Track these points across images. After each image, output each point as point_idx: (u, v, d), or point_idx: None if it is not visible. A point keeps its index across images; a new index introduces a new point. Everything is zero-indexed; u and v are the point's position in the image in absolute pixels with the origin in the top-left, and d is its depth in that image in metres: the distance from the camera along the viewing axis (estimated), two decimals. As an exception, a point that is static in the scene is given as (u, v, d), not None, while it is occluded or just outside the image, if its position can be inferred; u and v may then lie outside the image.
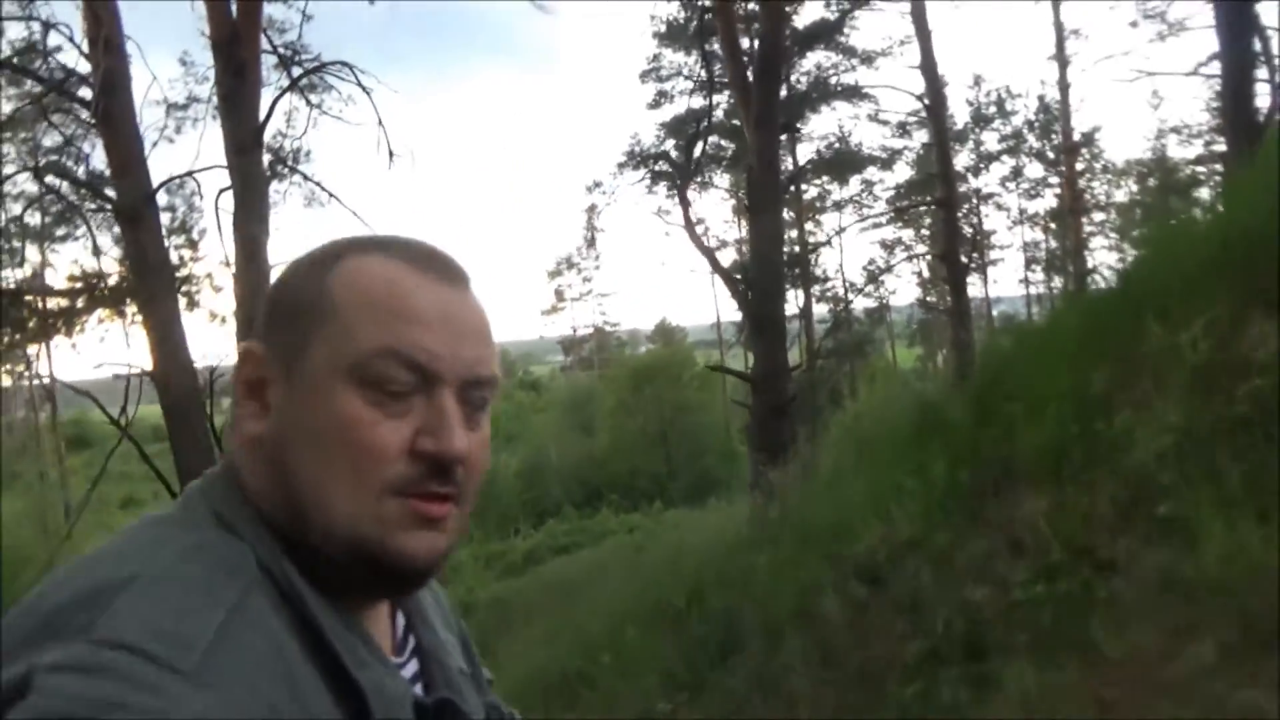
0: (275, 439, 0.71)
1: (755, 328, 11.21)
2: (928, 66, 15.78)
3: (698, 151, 11.08)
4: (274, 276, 0.80)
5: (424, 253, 0.75)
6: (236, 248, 8.90)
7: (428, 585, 0.81)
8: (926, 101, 15.84)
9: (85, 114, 8.91)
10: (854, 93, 21.71)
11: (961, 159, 32.98)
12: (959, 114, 32.76)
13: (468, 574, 18.68)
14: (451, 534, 0.72)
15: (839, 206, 31.68)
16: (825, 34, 17.95)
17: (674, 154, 11.37)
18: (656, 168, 12.86)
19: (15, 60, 9.02)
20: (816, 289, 30.55)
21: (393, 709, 0.68)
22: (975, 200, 33.23)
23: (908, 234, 34.66)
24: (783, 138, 17.14)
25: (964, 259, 15.88)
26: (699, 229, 12.08)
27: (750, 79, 11.08)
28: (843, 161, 23.79)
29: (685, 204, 11.60)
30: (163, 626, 0.57)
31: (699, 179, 20.28)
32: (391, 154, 10.09)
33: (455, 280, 0.74)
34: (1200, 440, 3.04)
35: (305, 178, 12.05)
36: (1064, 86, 24.34)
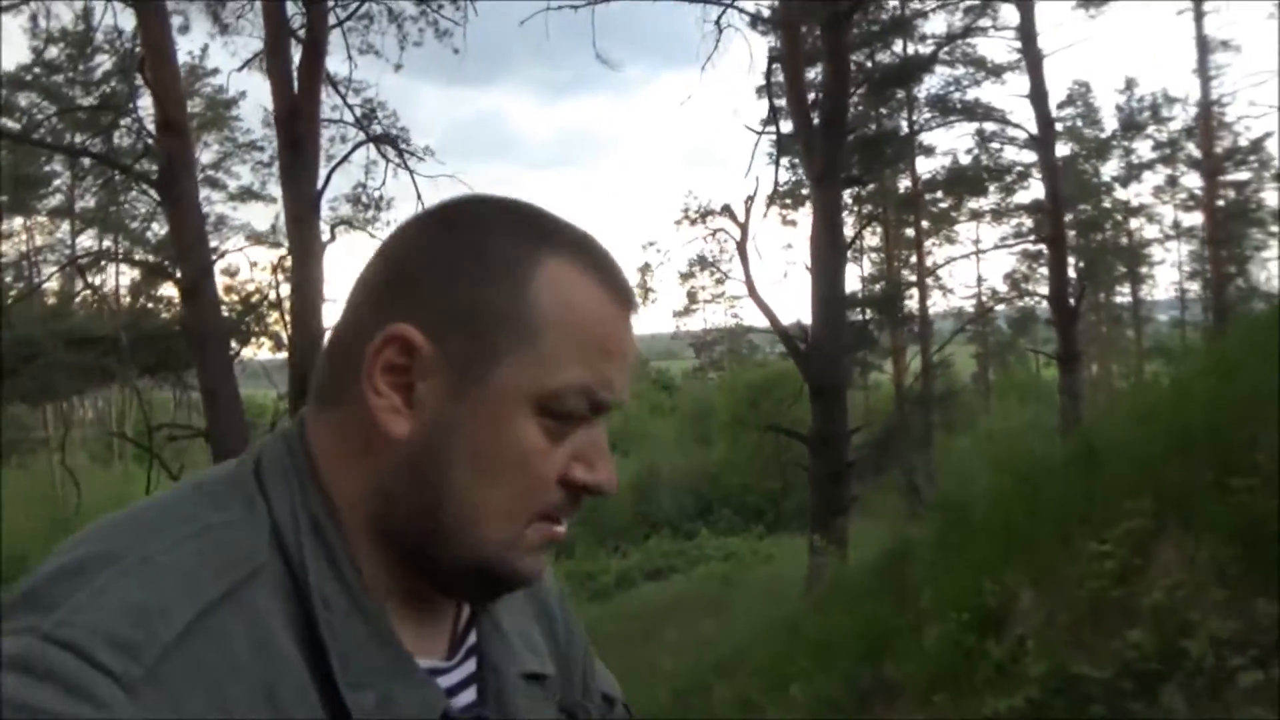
0: (425, 445, 0.66)
1: (814, 390, 10.87)
2: (1037, 96, 14.78)
3: (758, 209, 10.78)
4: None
5: (610, 265, 0.71)
6: (291, 307, 9.38)
7: None
8: (1034, 133, 14.84)
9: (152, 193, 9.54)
10: (972, 112, 20.60)
11: (1110, 167, 30.93)
12: (1108, 120, 30.75)
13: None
14: None
15: (976, 216, 30.30)
16: (913, 71, 17.08)
17: (733, 209, 11.11)
18: (715, 228, 12.63)
19: (89, 145, 9.76)
20: (941, 302, 29.36)
21: None
22: (1123, 214, 31.07)
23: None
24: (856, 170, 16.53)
25: (1073, 301, 14.80)
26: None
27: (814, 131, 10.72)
28: (962, 180, 22.64)
29: (745, 261, 11.35)
30: (118, 628, 0.54)
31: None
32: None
33: (632, 301, 0.72)
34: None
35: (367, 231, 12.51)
36: (1205, 104, 22.32)
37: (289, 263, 9.52)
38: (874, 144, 17.55)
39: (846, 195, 26.28)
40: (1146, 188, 29.91)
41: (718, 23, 10.79)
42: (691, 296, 51.32)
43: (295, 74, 9.51)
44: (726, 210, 11.18)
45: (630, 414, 46.70)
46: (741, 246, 11.21)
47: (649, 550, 22.65)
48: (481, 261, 0.67)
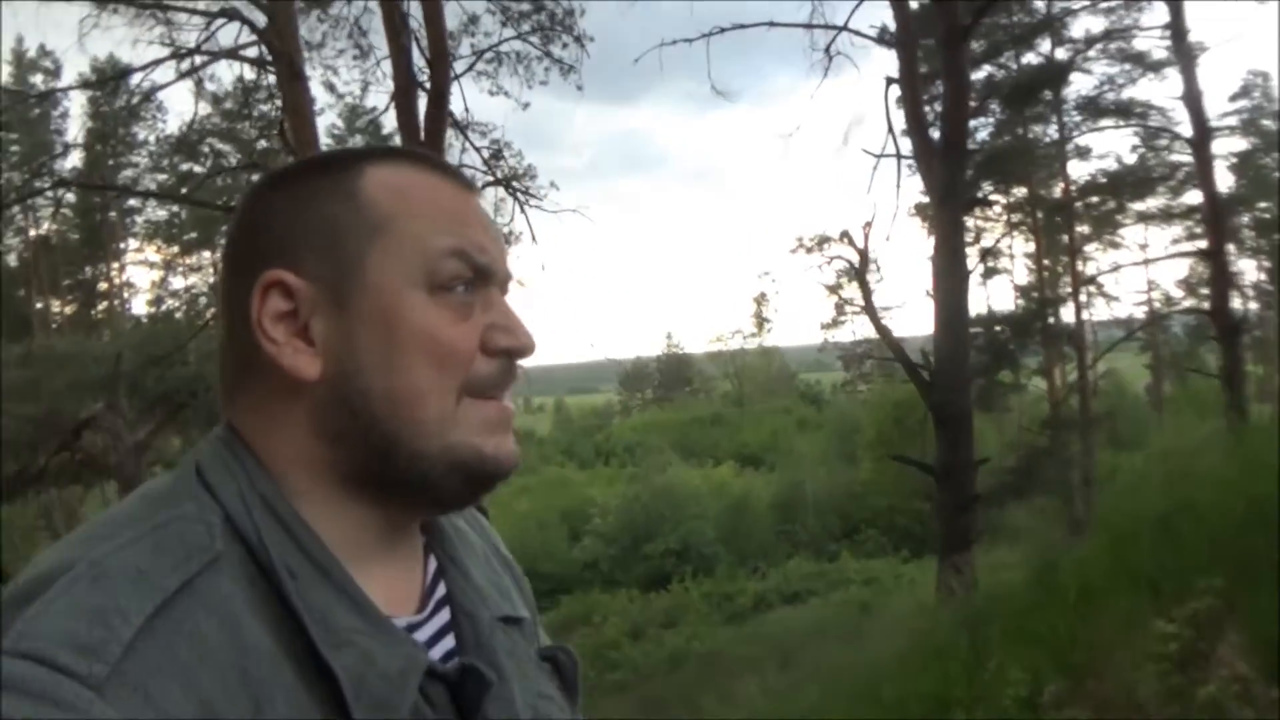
0: (339, 371, 0.67)
1: (938, 419, 10.54)
2: (1191, 97, 13.79)
3: (879, 232, 10.55)
4: None
5: (439, 161, 0.75)
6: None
7: (472, 519, 0.84)
8: (1190, 136, 13.84)
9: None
10: (1127, 112, 19.38)
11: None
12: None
13: (695, 617, 19.02)
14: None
15: (1144, 218, 28.39)
16: (1057, 74, 16.18)
17: (851, 234, 10.93)
18: (833, 255, 12.42)
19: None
20: (1105, 311, 27.61)
21: (386, 685, 0.63)
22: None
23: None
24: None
25: (1237, 317, 13.70)
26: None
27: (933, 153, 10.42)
28: (1123, 183, 21.30)
29: (865, 289, 11.13)
30: (76, 631, 0.54)
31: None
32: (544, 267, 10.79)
33: (471, 185, 0.75)
34: None
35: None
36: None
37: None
38: (1009, 155, 16.79)
39: (997, 206, 25.33)
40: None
41: (827, 50, 10.71)
42: (839, 308, 50.50)
43: (422, 123, 10.09)
44: (845, 236, 11.03)
45: (778, 428, 46.36)
46: (861, 272, 11.03)
47: (788, 572, 22.35)
48: (311, 192, 0.70)
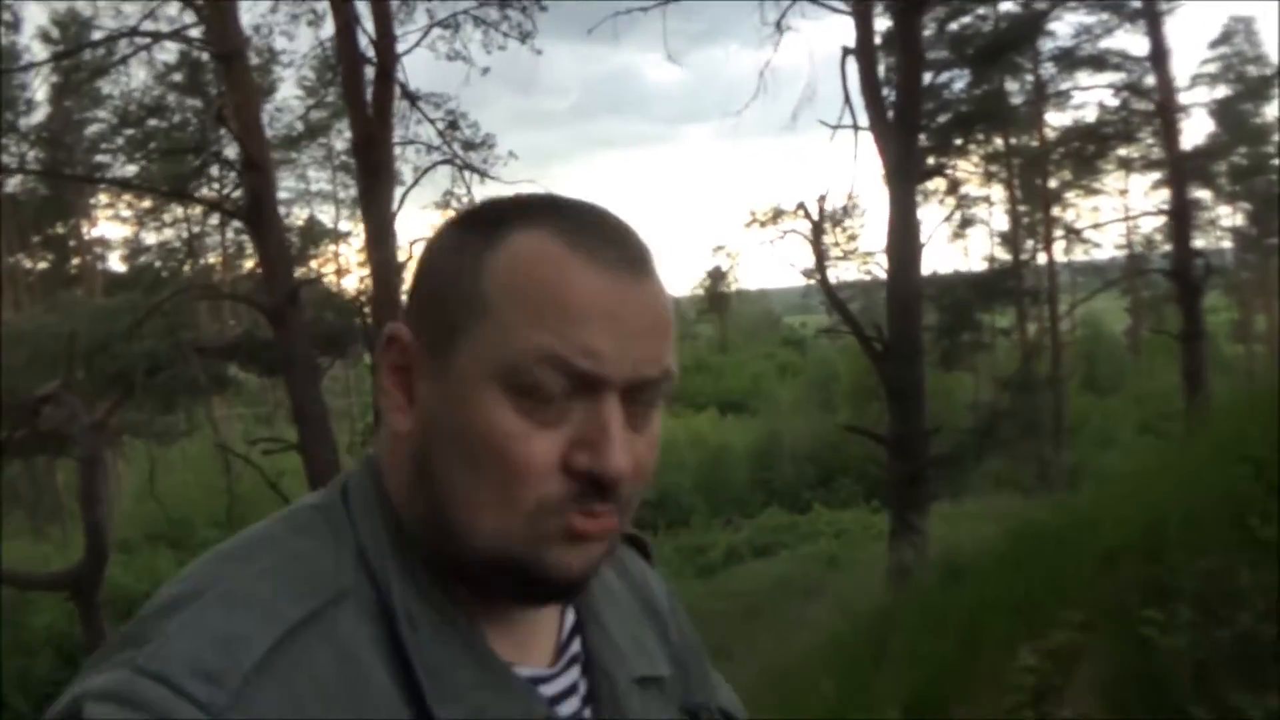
0: (420, 437, 0.66)
1: (891, 392, 10.68)
2: (1157, 58, 13.69)
3: (831, 204, 10.56)
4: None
5: (595, 230, 0.66)
6: (372, 326, 9.95)
7: (622, 566, 0.81)
8: (1156, 99, 13.76)
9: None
10: (1101, 63, 19.19)
11: (1275, 108, 28.10)
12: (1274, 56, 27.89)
13: (667, 571, 19.31)
14: (611, 539, 0.67)
15: (1125, 164, 28.29)
16: (1024, 32, 15.93)
17: (808, 206, 10.92)
18: (789, 228, 12.41)
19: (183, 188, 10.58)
20: (1085, 258, 27.70)
21: None
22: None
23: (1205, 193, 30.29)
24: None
25: (1198, 276, 13.80)
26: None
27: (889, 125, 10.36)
28: (1097, 136, 21.16)
29: (820, 257, 11.16)
30: (203, 657, 0.56)
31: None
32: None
33: (629, 264, 0.65)
34: None
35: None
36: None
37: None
38: (984, 108, 16.68)
39: (974, 157, 25.17)
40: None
41: (778, 25, 10.57)
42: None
43: (369, 100, 9.99)
44: (801, 208, 11.02)
45: (761, 374, 46.60)
46: (816, 244, 11.06)
47: (761, 524, 22.72)
48: (457, 246, 0.66)
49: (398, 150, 10.80)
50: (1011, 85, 21.80)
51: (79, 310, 12.59)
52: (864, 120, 10.62)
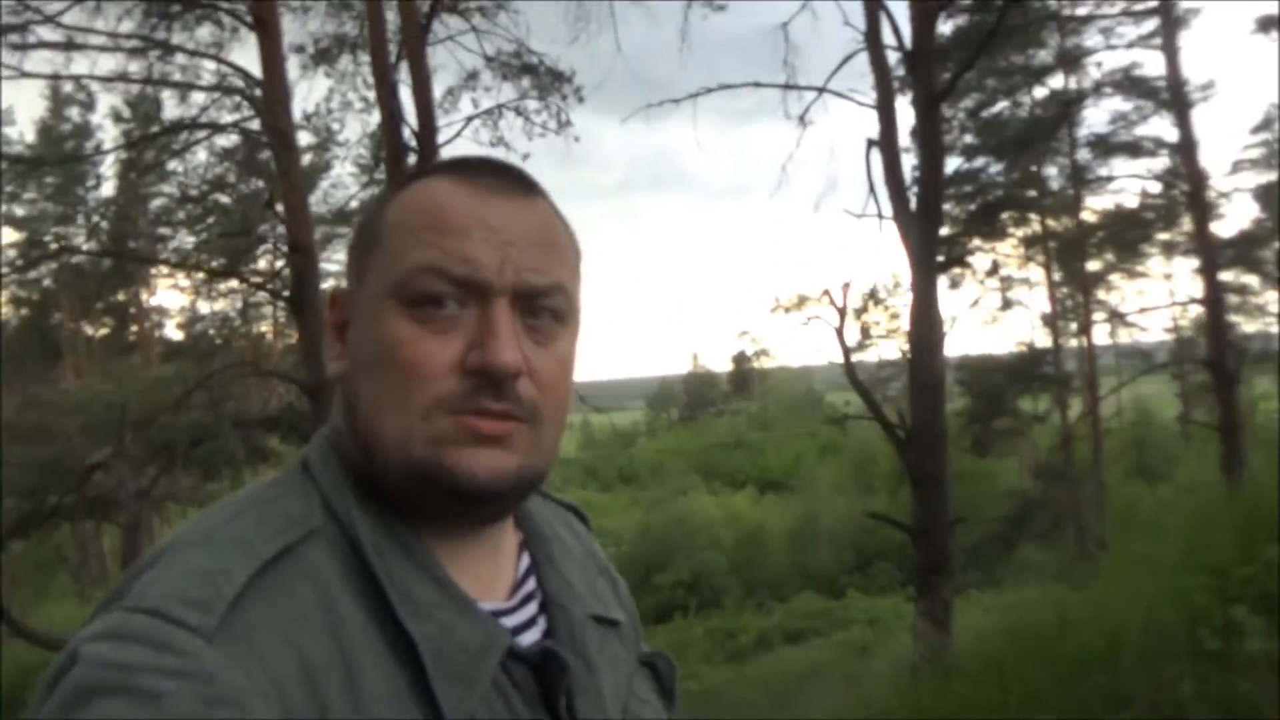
0: (348, 374, 0.72)
1: (914, 482, 10.67)
2: (1186, 148, 13.80)
3: (854, 296, 10.74)
4: None
5: (484, 167, 0.73)
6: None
7: (569, 527, 0.86)
8: (1185, 190, 13.83)
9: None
10: (1136, 149, 19.32)
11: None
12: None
13: (696, 655, 19.13)
14: (523, 454, 0.70)
15: (1169, 248, 28.13)
16: (1050, 126, 16.19)
17: (833, 293, 11.12)
18: (814, 314, 12.62)
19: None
20: (1127, 335, 27.35)
21: (465, 657, 0.66)
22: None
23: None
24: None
25: (1233, 367, 13.66)
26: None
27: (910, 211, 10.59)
28: (1135, 221, 21.17)
29: (845, 348, 11.30)
30: (188, 589, 0.60)
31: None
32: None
33: (510, 187, 0.72)
34: None
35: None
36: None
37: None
38: (1004, 204, 16.87)
39: (1013, 240, 25.26)
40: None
41: (801, 118, 10.93)
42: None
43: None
44: (826, 294, 11.22)
45: (801, 452, 46.19)
46: (840, 331, 11.22)
47: (794, 609, 22.35)
48: (364, 213, 0.78)
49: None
50: (1050, 169, 22.05)
51: (131, 380, 13.12)
52: (888, 210, 10.86)
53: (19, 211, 22.82)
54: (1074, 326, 24.87)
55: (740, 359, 39.71)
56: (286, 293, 9.98)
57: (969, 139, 19.25)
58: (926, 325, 10.54)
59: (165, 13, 9.60)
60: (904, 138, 10.87)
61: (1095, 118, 21.04)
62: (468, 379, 0.68)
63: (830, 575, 27.17)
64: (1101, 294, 27.62)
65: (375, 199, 0.79)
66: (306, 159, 14.45)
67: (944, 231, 18.03)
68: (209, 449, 11.74)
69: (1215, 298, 13.77)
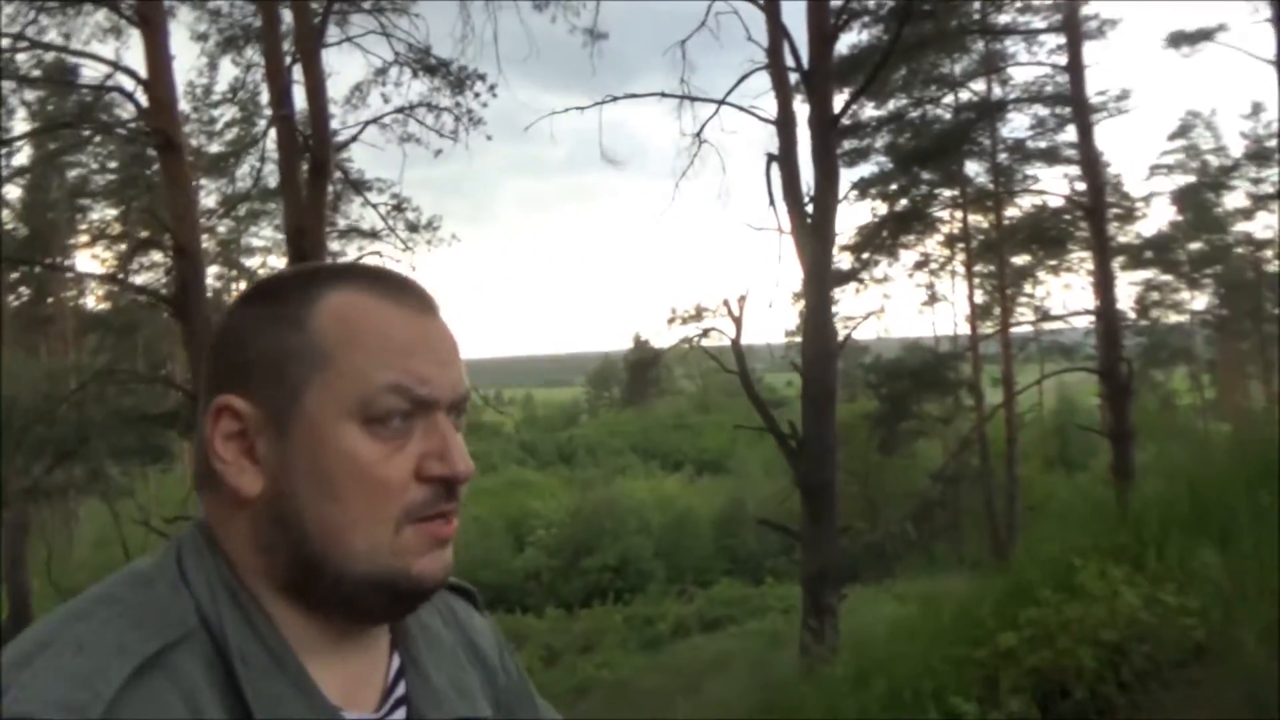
0: (276, 494, 0.72)
1: (803, 490, 10.91)
2: (1088, 163, 14.15)
3: (750, 311, 10.91)
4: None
5: (397, 283, 0.77)
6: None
7: (448, 611, 0.89)
8: (1085, 203, 14.20)
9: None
10: (1054, 156, 19.72)
11: (1235, 199, 28.84)
12: (1234, 144, 28.66)
13: (612, 642, 19.39)
14: (452, 546, 0.75)
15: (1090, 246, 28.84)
16: (941, 152, 16.42)
17: (730, 306, 11.25)
18: (708, 327, 12.79)
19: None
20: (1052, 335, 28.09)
21: None
22: (1250, 246, 28.90)
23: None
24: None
25: (1126, 373, 14.12)
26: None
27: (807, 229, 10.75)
28: (1051, 226, 21.67)
29: (740, 358, 11.47)
30: (64, 694, 0.60)
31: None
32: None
33: (428, 306, 0.77)
34: None
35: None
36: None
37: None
38: (910, 216, 17.18)
39: (938, 236, 25.70)
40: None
41: (698, 135, 11.02)
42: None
43: (303, 193, 10.35)
44: (725, 305, 11.35)
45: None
46: (736, 343, 11.37)
47: (714, 596, 22.71)
48: (269, 317, 0.74)
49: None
50: (974, 168, 22.48)
51: (23, 374, 12.82)
52: (786, 224, 11.01)
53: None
54: (994, 321, 25.49)
55: (636, 366, 39.32)
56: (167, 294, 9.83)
57: (893, 139, 19.53)
58: (820, 338, 10.75)
59: (44, 7, 9.30)
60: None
61: (1019, 121, 21.42)
62: (426, 487, 0.72)
63: (756, 560, 27.55)
64: (1028, 288, 28.38)
65: (265, 309, 0.75)
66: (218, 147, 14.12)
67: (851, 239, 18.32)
68: (96, 448, 11.54)
69: (1110, 310, 14.19)
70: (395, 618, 0.77)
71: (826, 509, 10.81)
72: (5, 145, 10.76)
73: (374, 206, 12.18)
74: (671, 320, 13.11)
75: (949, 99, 21.28)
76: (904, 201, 20.93)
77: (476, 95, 13.43)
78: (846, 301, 17.76)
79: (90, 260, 30.84)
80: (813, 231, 10.57)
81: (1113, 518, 4.34)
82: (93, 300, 31.71)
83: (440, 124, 13.38)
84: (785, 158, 10.91)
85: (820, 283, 10.62)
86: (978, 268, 25.26)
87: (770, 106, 11.08)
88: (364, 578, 0.71)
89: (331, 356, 0.71)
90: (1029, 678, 2.99)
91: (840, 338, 10.89)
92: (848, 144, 19.37)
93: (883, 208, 20.61)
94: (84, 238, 19.89)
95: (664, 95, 11.62)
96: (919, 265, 26.52)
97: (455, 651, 0.86)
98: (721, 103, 11.01)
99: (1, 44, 9.30)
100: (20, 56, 10.40)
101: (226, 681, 0.66)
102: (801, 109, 10.72)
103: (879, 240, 19.36)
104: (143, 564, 0.73)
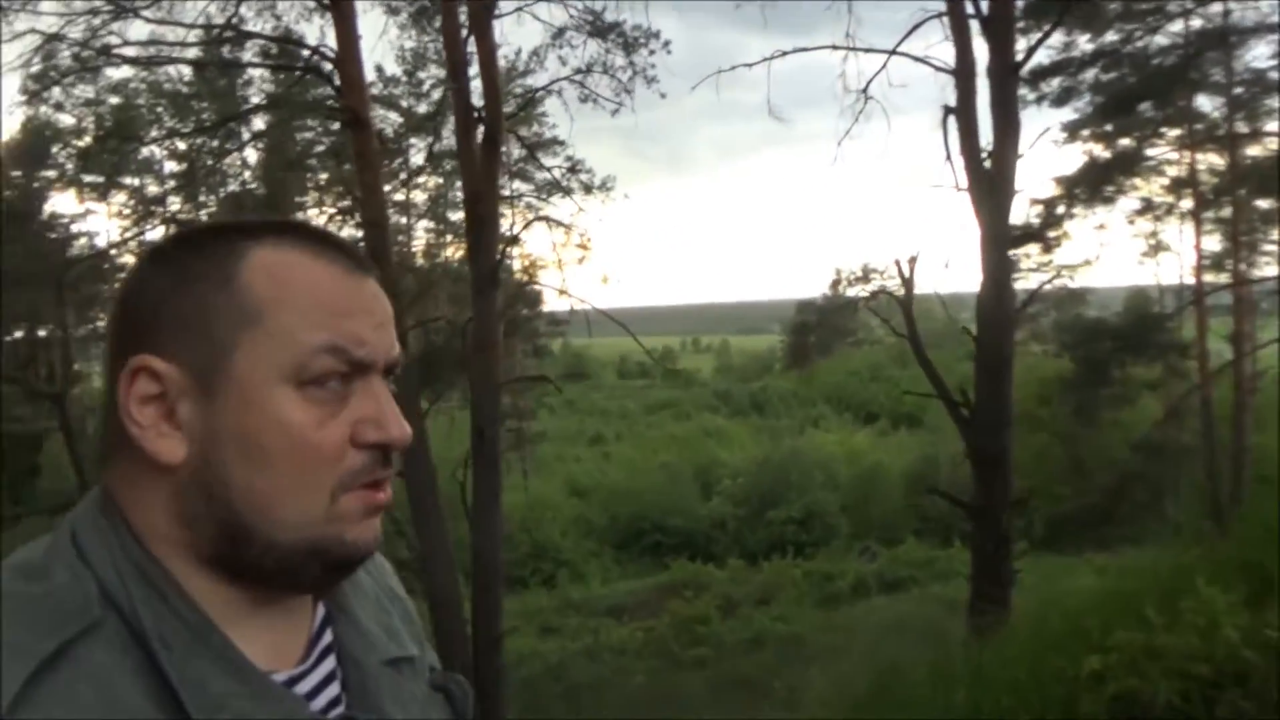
0: (200, 458, 0.67)
1: (976, 460, 10.44)
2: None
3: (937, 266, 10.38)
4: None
5: (329, 241, 0.73)
6: (472, 368, 10.87)
7: (374, 562, 0.84)
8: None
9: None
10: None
11: None
12: None
13: (789, 597, 19.41)
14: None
15: None
16: (1150, 96, 14.57)
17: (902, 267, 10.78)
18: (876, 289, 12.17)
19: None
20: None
21: None
22: None
23: None
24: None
25: None
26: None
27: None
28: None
29: (910, 321, 11.02)
30: None
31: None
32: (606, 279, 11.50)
33: (363, 266, 0.73)
34: None
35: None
36: None
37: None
38: (1128, 159, 15.62)
39: (1162, 180, 23.29)
40: None
41: (864, 91, 10.50)
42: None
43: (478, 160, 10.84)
44: (896, 265, 10.92)
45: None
46: (907, 306, 10.92)
47: (897, 556, 22.17)
48: (189, 273, 0.69)
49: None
50: (1206, 103, 20.14)
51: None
52: (963, 180, 10.40)
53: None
54: (1226, 273, 22.96)
55: (799, 329, 37.78)
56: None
57: (1107, 75, 17.83)
58: (996, 302, 10.16)
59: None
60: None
61: (1261, 51, 18.85)
62: (362, 453, 0.70)
63: (945, 521, 26.53)
64: (1274, 235, 25.25)
65: (187, 262, 0.71)
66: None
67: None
68: None
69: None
70: (325, 586, 0.74)
71: (999, 480, 10.31)
72: (225, 125, 11.94)
73: (548, 170, 12.58)
74: (837, 282, 12.73)
75: (1177, 26, 19.22)
76: (1123, 142, 19.18)
77: (651, 53, 13.49)
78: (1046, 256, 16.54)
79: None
80: (992, 188, 9.94)
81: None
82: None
83: (617, 84, 13.58)
84: (963, 109, 10.27)
85: (998, 242, 10.00)
86: (1208, 214, 22.82)
87: (944, 56, 10.48)
88: (295, 547, 0.68)
89: (262, 315, 0.67)
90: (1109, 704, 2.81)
91: (1020, 301, 10.21)
92: (1056, 82, 17.97)
93: (1097, 150, 19.03)
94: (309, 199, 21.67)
95: (834, 48, 11.18)
96: (1140, 212, 24.28)
97: (377, 596, 0.84)
98: (892, 53, 10.47)
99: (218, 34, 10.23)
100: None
101: (146, 664, 0.63)
102: (981, 58, 10.01)
103: (1090, 186, 17.87)
104: (31, 551, 0.67)
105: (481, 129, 10.73)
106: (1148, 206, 24.10)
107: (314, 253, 0.71)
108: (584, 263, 12.75)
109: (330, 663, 0.75)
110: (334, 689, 0.74)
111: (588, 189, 13.17)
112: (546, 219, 11.95)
